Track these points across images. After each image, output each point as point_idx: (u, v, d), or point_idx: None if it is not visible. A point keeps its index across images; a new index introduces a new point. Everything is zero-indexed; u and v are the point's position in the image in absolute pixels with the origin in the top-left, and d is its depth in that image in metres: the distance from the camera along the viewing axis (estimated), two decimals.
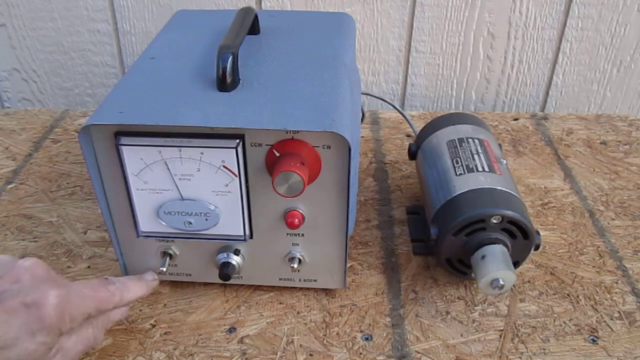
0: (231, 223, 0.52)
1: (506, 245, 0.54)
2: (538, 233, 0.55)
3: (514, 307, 0.57)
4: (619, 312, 0.56)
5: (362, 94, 0.80)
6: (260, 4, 0.89)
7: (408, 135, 0.84)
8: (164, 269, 0.54)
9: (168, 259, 0.55)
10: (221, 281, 0.54)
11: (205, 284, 0.59)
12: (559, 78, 0.93)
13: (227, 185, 0.50)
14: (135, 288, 0.51)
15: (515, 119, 0.89)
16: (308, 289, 0.58)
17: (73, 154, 0.79)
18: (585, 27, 0.88)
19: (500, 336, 0.54)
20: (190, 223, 0.52)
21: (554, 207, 0.70)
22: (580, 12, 0.87)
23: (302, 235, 0.53)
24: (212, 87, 0.50)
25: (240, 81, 0.52)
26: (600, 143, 0.82)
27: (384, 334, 0.54)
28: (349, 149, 0.47)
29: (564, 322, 0.55)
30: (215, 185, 0.50)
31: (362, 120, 0.79)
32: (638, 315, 0.56)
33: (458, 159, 0.60)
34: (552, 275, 0.60)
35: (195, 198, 0.50)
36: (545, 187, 0.73)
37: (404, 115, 0.78)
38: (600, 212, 0.69)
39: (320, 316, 0.56)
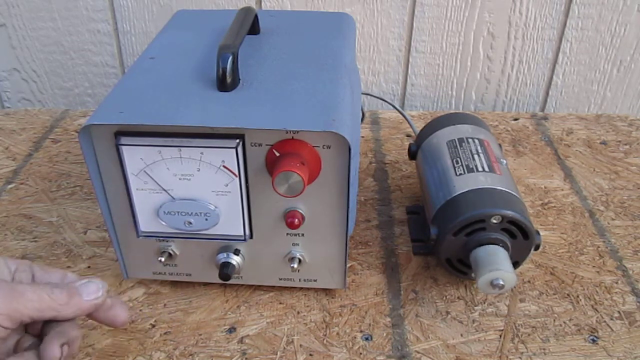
0: (231, 223, 0.52)
1: (506, 245, 0.54)
2: (538, 233, 0.55)
3: (514, 307, 0.57)
4: (619, 312, 0.56)
5: (362, 94, 0.80)
6: (260, 4, 0.89)
7: (408, 135, 0.84)
8: None
9: (168, 258, 0.55)
10: (221, 281, 0.54)
11: (205, 284, 0.59)
12: (559, 78, 0.93)
13: (227, 185, 0.50)
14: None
15: (515, 119, 0.89)
16: (308, 289, 0.58)
17: (73, 154, 0.79)
18: (585, 27, 0.88)
19: (500, 336, 0.54)
20: (190, 223, 0.52)
21: (554, 207, 0.70)
22: (580, 12, 0.87)
23: (302, 235, 0.53)
24: (212, 87, 0.50)
25: (240, 81, 0.52)
26: (600, 143, 0.82)
27: (384, 334, 0.54)
28: (349, 149, 0.47)
29: (564, 322, 0.55)
30: (215, 185, 0.50)
31: (362, 120, 0.79)
32: (638, 315, 0.56)
33: (458, 159, 0.60)
34: (552, 275, 0.60)
35: (195, 198, 0.50)
36: (545, 187, 0.73)
37: (404, 115, 0.78)
38: (600, 212, 0.69)
39: (320, 316, 0.56)
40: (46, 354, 0.42)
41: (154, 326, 0.55)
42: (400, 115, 0.83)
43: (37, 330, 0.46)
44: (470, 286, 0.59)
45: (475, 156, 0.60)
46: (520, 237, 0.54)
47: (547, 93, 0.95)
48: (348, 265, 0.56)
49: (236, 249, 0.54)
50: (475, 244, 0.54)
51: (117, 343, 0.53)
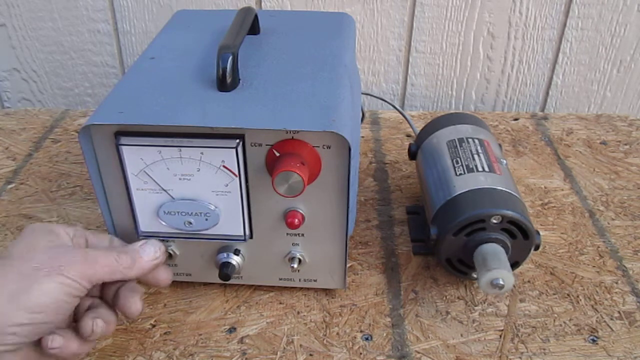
0: (231, 223, 0.52)
1: (506, 245, 0.54)
2: (538, 233, 0.55)
3: (514, 307, 0.57)
4: (619, 312, 0.56)
5: (362, 94, 0.80)
6: (260, 4, 0.89)
7: (408, 135, 0.84)
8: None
9: (168, 258, 0.55)
10: (221, 281, 0.54)
11: (205, 284, 0.59)
12: (559, 78, 0.93)
13: (227, 185, 0.50)
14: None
15: (515, 119, 0.89)
16: (308, 289, 0.58)
17: (73, 154, 0.79)
18: (585, 27, 0.88)
19: (500, 336, 0.54)
20: (190, 223, 0.52)
21: (554, 207, 0.70)
22: (580, 12, 0.87)
23: (302, 235, 0.53)
24: (212, 87, 0.50)
25: (240, 81, 0.52)
26: (600, 143, 0.83)
27: (384, 334, 0.54)
28: (349, 149, 0.47)
29: (564, 322, 0.55)
30: (215, 185, 0.50)
31: (362, 120, 0.79)
32: (638, 315, 0.56)
33: (458, 159, 0.60)
34: (552, 275, 0.60)
35: (195, 198, 0.50)
36: (545, 187, 0.73)
37: (404, 115, 0.78)
38: (600, 212, 0.69)
39: (320, 316, 0.56)
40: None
41: (154, 326, 0.55)
42: (400, 115, 0.83)
43: (96, 292, 0.50)
44: (470, 286, 0.59)
45: (475, 156, 0.60)
46: (520, 237, 0.54)
47: (547, 93, 0.95)
48: (348, 265, 0.56)
49: (236, 249, 0.54)
50: (475, 244, 0.54)
51: (117, 343, 0.53)
